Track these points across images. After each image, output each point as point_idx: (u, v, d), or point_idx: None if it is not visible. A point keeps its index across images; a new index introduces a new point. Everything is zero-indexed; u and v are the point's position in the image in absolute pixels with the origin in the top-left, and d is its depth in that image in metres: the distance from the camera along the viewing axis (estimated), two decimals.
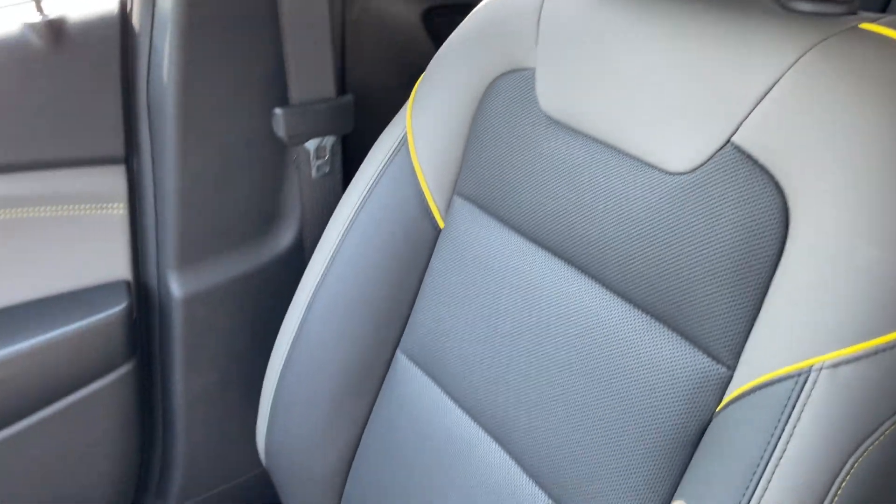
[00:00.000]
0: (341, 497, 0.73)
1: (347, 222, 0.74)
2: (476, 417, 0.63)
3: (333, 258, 0.74)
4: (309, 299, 0.74)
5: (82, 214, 0.76)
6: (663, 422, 0.50)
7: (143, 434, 0.85)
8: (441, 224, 0.70)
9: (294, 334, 0.75)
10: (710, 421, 0.48)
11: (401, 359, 0.71)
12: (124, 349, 0.79)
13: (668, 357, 0.50)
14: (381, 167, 0.73)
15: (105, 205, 0.76)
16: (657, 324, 0.52)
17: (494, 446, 0.61)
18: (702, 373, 0.49)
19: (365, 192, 0.73)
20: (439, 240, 0.70)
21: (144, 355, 0.83)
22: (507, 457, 0.59)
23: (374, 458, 0.70)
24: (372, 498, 0.70)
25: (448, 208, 0.70)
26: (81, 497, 0.82)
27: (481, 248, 0.66)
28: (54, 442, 0.78)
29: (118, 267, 0.79)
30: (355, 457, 0.72)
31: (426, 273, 0.71)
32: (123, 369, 0.80)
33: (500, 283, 0.63)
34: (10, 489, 0.77)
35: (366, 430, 0.72)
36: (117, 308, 0.78)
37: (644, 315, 0.53)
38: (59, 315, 0.76)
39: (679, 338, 0.51)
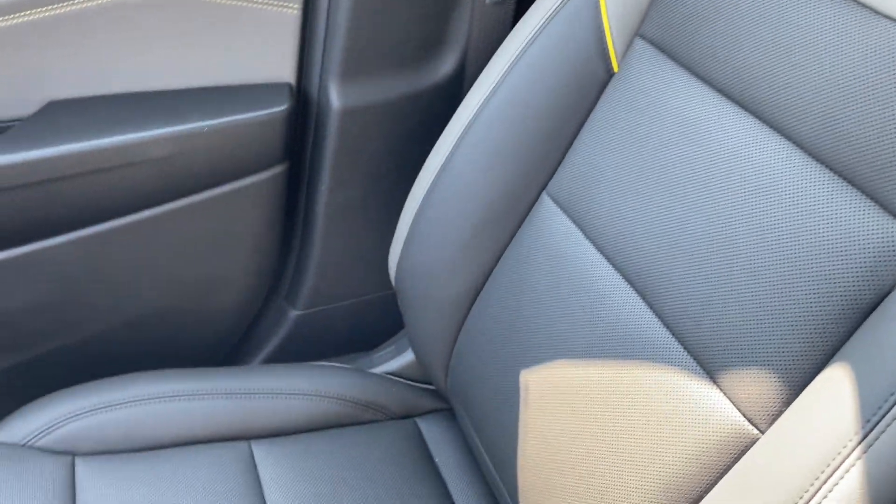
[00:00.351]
0: (462, 326, 0.75)
1: (514, 56, 0.72)
2: (618, 265, 0.62)
3: (494, 91, 0.72)
4: (462, 130, 0.74)
5: (258, 8, 0.77)
6: (836, 287, 0.47)
7: (283, 238, 0.90)
8: (615, 68, 0.67)
9: (442, 162, 0.75)
10: (891, 289, 0.45)
11: (545, 201, 0.70)
12: (278, 151, 0.82)
13: (855, 222, 0.47)
14: (560, 1, 0.69)
15: (281, 2, 0.77)
16: (850, 188, 0.48)
17: (633, 295, 0.60)
18: (893, 240, 0.45)
19: (539, 26, 0.70)
20: (611, 83, 0.67)
21: (296, 161, 0.85)
22: (646, 307, 0.58)
23: (502, 293, 0.71)
24: (494, 329, 0.71)
25: (626, 51, 0.67)
26: (219, 283, 0.88)
27: (657, 94, 0.62)
28: (203, 226, 0.83)
29: (284, 69, 0.81)
30: (483, 288, 0.73)
31: (588, 117, 0.69)
32: (275, 170, 0.83)
33: (673, 132, 0.60)
34: (157, 262, 0.83)
35: (498, 264, 0.72)
36: (277, 109, 0.80)
37: (837, 178, 0.49)
38: (222, 106, 0.79)
39: (873, 204, 0.47)
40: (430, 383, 0.86)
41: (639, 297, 0.59)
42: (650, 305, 0.58)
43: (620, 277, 0.61)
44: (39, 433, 0.72)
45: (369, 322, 0.95)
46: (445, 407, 0.86)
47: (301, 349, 0.92)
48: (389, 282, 0.87)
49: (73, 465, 0.70)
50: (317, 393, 0.81)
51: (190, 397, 0.77)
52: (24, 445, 0.71)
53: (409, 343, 0.88)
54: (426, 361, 0.81)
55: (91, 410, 0.74)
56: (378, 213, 0.88)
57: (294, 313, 0.93)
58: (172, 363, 0.82)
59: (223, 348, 0.93)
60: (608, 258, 0.62)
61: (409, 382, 0.87)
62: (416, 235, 0.77)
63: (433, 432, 0.83)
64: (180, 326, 0.88)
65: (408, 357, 0.88)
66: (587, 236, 0.65)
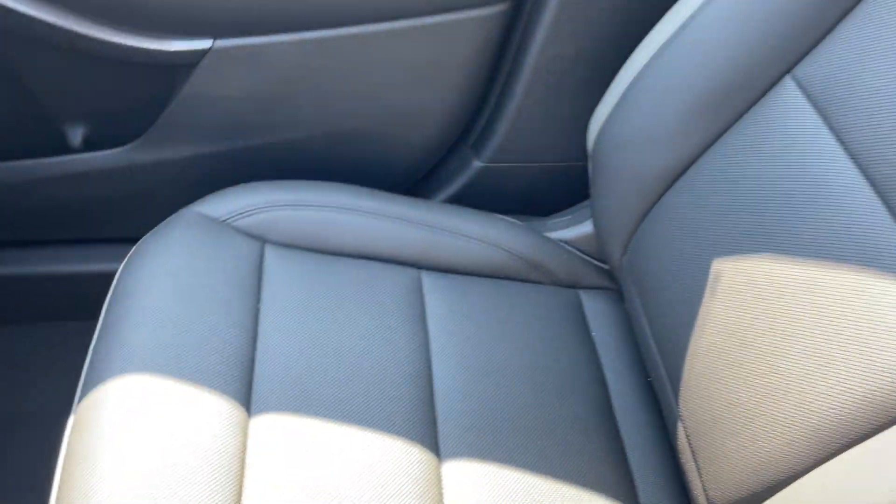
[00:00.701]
0: (656, 203, 0.72)
1: None
2: (863, 166, 0.55)
3: None
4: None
5: None
6: None
7: (485, 85, 0.88)
8: None
9: (676, 28, 0.70)
10: None
11: (788, 85, 0.64)
12: None
13: None
14: None
15: None
16: None
17: (875, 200, 0.54)
18: None
19: None
20: None
21: (517, 4, 0.82)
22: (888, 214, 0.52)
23: (714, 173, 0.67)
24: (693, 210, 0.67)
25: None
26: (416, 115, 0.88)
27: None
28: (414, 52, 0.82)
29: None
30: (692, 166, 0.69)
31: (857, 6, 0.61)
32: (495, 8, 0.81)
33: None
34: (365, 80, 0.84)
35: (716, 143, 0.67)
36: None
37: None
38: None
39: None
40: (601, 261, 0.85)
41: (881, 203, 0.53)
42: (894, 214, 0.53)
43: (864, 180, 0.55)
44: (238, 214, 0.77)
45: (551, 188, 0.93)
46: (611, 287, 0.85)
47: (478, 200, 0.92)
48: (580, 152, 0.84)
49: (262, 250, 0.75)
50: (489, 241, 0.82)
51: (375, 215, 0.80)
52: (222, 222, 0.76)
53: (587, 215, 0.87)
54: (605, 235, 0.79)
55: (287, 205, 0.78)
56: (588, 75, 0.84)
57: (477, 164, 0.93)
58: (360, 182, 0.85)
59: (407, 181, 0.95)
60: (853, 157, 0.56)
61: (579, 253, 0.86)
62: (629, 102, 0.73)
63: (595, 307, 0.82)
64: (374, 149, 0.90)
65: (583, 229, 0.86)
66: (832, 130, 0.59)
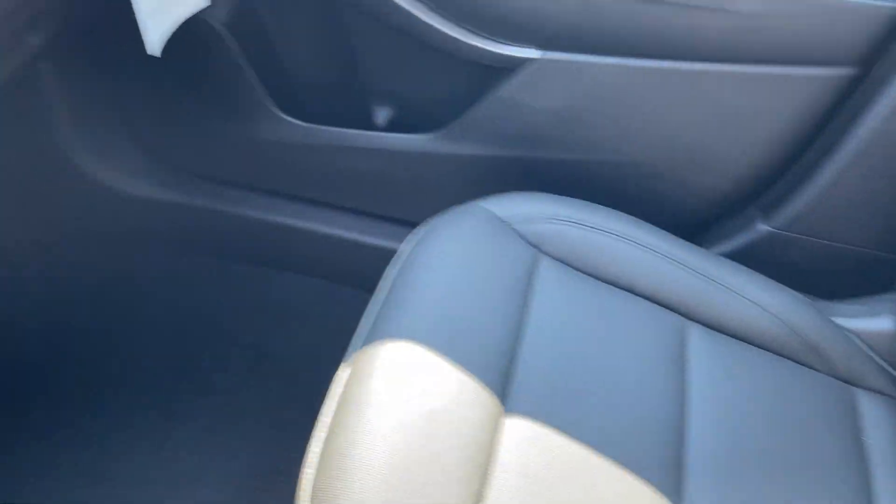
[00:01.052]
0: None
1: None
2: None
3: None
4: None
5: None
6: None
7: (797, 146, 0.83)
8: None
9: None
10: None
11: None
12: (854, 50, 0.74)
13: None
14: None
15: None
16: None
17: None
18: None
19: None
20: None
21: (862, 74, 0.76)
22: None
23: None
24: None
25: None
26: (707, 162, 0.85)
27: None
28: (731, 99, 0.79)
29: None
30: None
31: None
32: (839, 71, 0.76)
33: None
34: (673, 115, 0.82)
35: None
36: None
37: None
38: None
39: None
40: (892, 363, 0.76)
41: None
42: None
43: None
44: (520, 219, 0.78)
45: (843, 271, 0.85)
46: (895, 395, 0.75)
47: (753, 264, 0.86)
48: (890, 240, 0.76)
49: (536, 258, 0.76)
50: (769, 308, 0.76)
51: (653, 252, 0.77)
52: (506, 223, 0.78)
53: (885, 310, 0.78)
54: None
55: (568, 221, 0.78)
56: None
57: (763, 227, 0.87)
58: (637, 217, 0.83)
59: (684, 226, 0.91)
60: None
61: (866, 349, 0.77)
62: None
63: (873, 412, 0.73)
64: (659, 186, 0.88)
65: (877, 324, 0.78)
66: None
